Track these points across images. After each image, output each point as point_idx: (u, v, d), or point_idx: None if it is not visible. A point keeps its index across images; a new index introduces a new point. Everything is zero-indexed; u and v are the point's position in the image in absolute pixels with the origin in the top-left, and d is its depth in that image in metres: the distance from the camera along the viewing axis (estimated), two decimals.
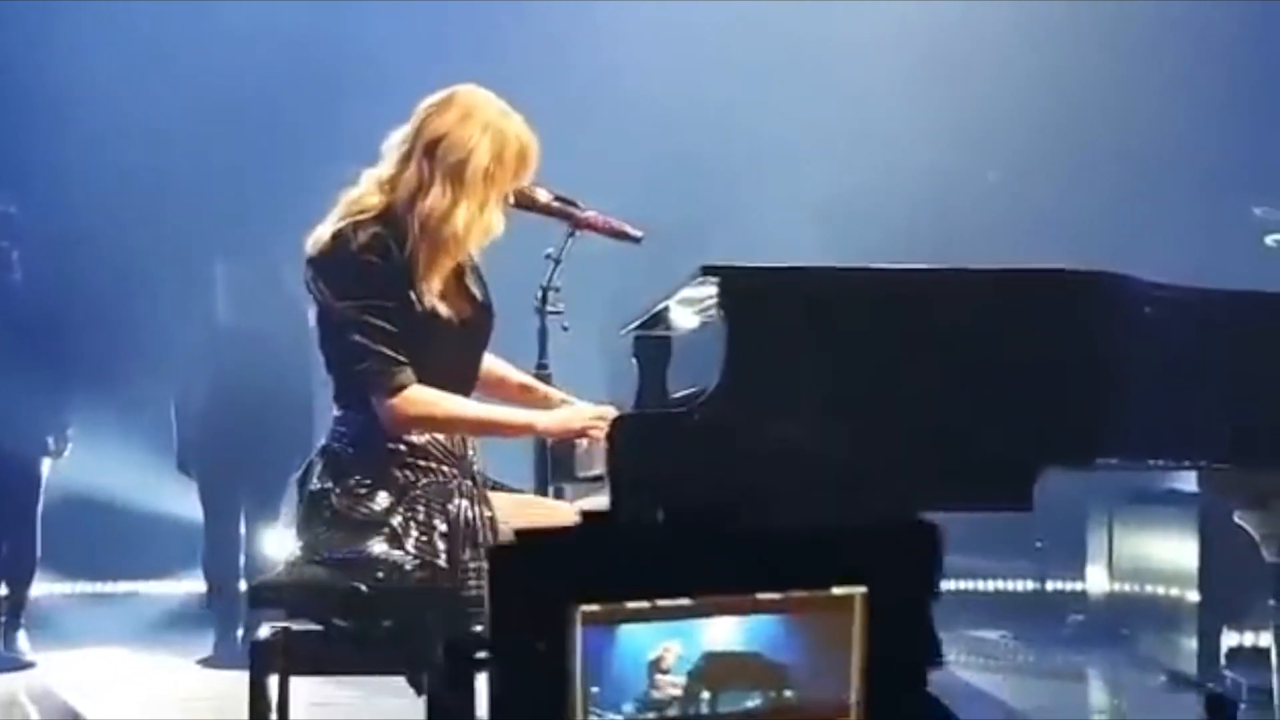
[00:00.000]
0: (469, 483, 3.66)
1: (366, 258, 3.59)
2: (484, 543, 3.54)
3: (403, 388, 3.58)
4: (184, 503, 8.20)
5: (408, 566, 3.51)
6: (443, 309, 3.65)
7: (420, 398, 3.59)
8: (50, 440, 7.78)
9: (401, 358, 3.58)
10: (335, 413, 3.75)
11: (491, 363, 3.98)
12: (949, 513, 3.61)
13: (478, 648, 2.88)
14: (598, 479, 3.55)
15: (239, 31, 8.72)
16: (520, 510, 3.65)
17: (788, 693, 2.73)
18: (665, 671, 2.69)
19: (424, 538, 3.54)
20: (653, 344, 4.22)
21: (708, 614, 2.68)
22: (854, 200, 8.56)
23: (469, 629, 3.63)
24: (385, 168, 3.71)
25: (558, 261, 4.04)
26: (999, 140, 8.97)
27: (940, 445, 3.25)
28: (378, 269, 3.59)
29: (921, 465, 3.25)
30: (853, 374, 3.24)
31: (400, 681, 3.58)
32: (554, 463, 4.08)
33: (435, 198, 3.63)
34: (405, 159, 3.68)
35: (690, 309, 3.86)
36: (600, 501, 3.45)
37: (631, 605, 2.64)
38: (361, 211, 3.65)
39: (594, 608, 2.60)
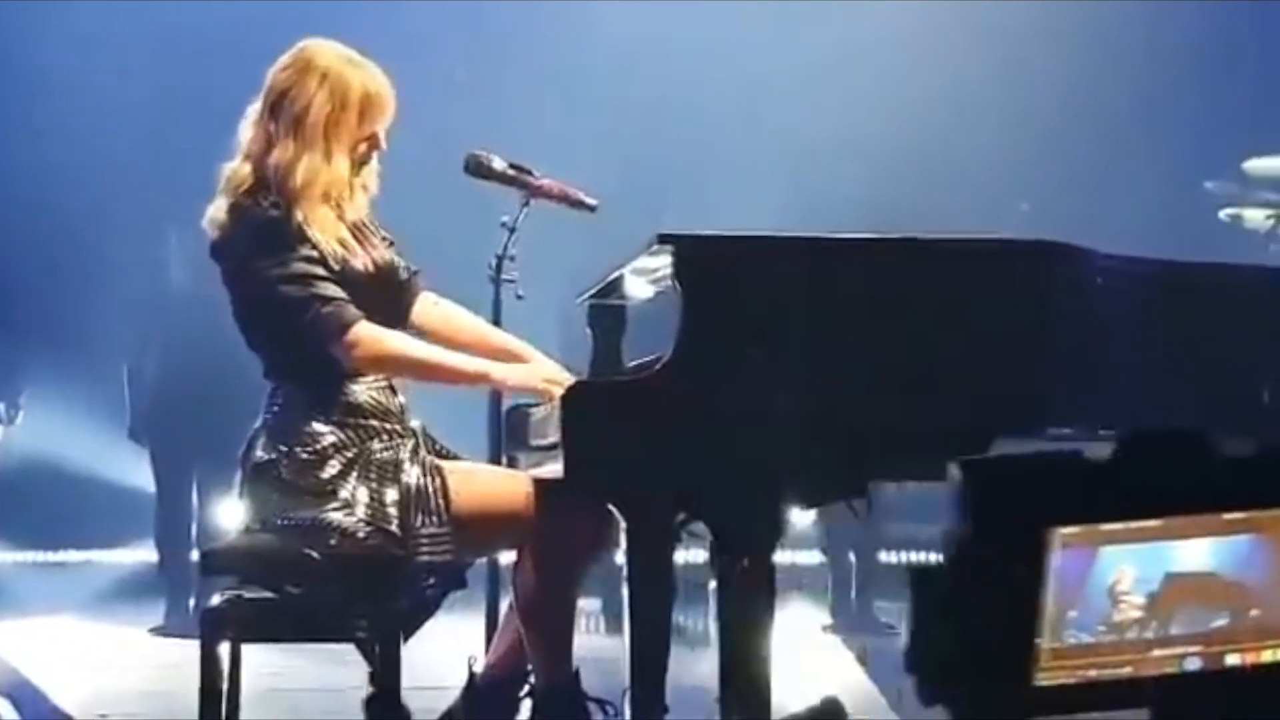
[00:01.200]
0: (414, 442, 3.65)
1: (269, 217, 3.57)
2: (436, 510, 3.54)
3: (354, 322, 3.55)
4: (136, 472, 8.17)
5: (360, 533, 3.50)
6: (356, 263, 3.63)
7: (374, 334, 3.58)
8: (1, 407, 7.72)
9: (342, 294, 3.55)
10: (269, 387, 3.74)
11: (475, 322, 3.96)
12: (903, 482, 3.67)
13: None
14: (552, 447, 3.54)
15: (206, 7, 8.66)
16: (471, 478, 3.65)
17: (1253, 611, 2.71)
18: (1125, 593, 2.67)
19: (376, 504, 3.53)
20: (608, 313, 4.20)
21: (1181, 535, 2.64)
22: (820, 172, 8.57)
23: (421, 596, 3.64)
24: (242, 137, 3.71)
25: (512, 230, 4.03)
26: (964, 111, 8.99)
27: (894, 414, 3.25)
28: (283, 226, 3.57)
29: (875, 434, 3.25)
30: (806, 343, 3.24)
31: (348, 650, 3.56)
32: (508, 431, 4.08)
33: (279, 152, 3.62)
34: (256, 121, 3.68)
35: (644, 279, 3.85)
36: (554, 470, 3.45)
37: (1108, 527, 2.61)
38: (240, 184, 3.64)
39: (1073, 530, 2.57)
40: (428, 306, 3.90)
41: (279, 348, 3.67)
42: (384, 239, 3.79)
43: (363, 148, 3.70)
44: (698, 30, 9.07)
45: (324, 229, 3.61)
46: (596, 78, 8.93)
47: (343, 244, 3.62)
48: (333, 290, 3.55)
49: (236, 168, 3.68)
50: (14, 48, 8.88)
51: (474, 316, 3.98)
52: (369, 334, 3.57)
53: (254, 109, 3.71)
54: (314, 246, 3.58)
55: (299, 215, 3.59)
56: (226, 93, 8.71)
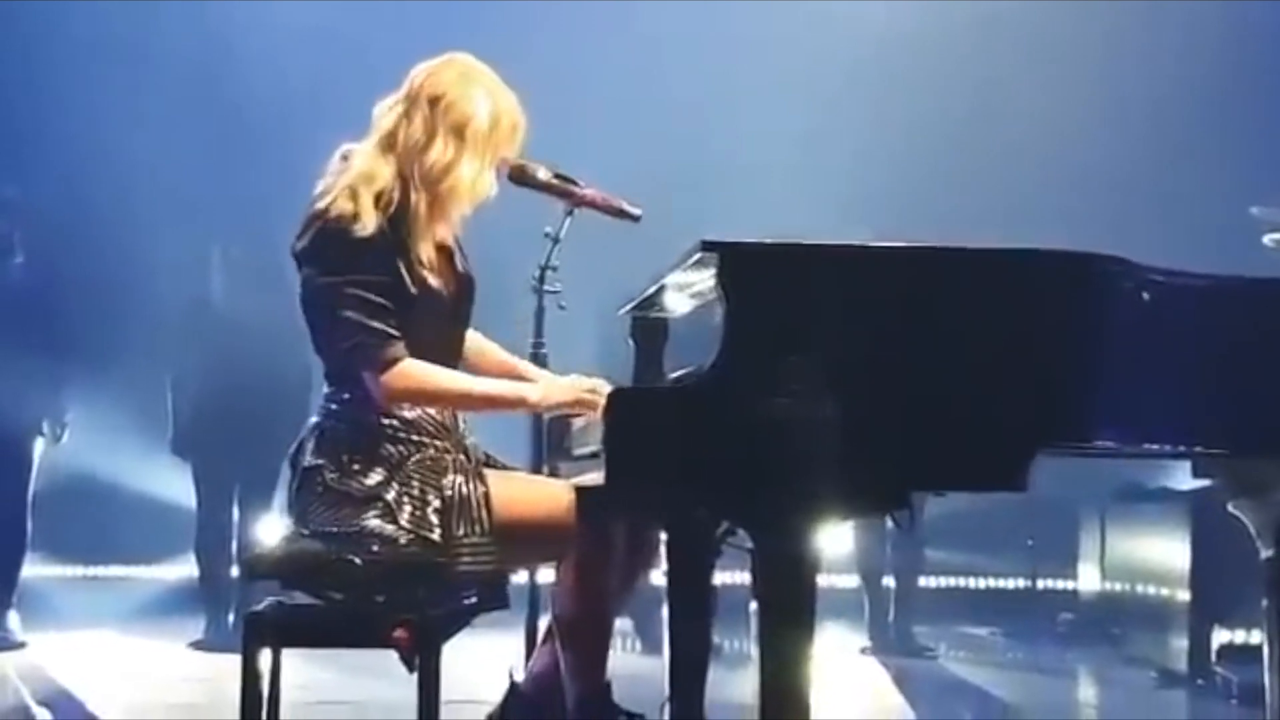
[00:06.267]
0: (463, 458, 3.66)
1: (355, 232, 3.56)
2: (478, 519, 3.54)
3: (395, 361, 3.56)
4: (177, 487, 8.22)
5: (401, 541, 3.50)
6: (433, 280, 3.64)
7: (412, 371, 3.58)
8: (46, 424, 7.78)
9: (393, 331, 3.56)
10: (325, 389, 3.74)
11: (482, 344, 3.97)
12: (945, 493, 3.66)
13: None
14: (593, 456, 3.54)
15: (246, 17, 8.73)
16: (513, 487, 3.65)
17: None
18: None
19: (418, 512, 3.52)
20: (649, 324, 4.20)
21: None
22: (857, 176, 8.61)
23: (459, 605, 3.64)
24: (384, 127, 3.69)
25: (556, 240, 4.02)
26: (996, 133, 8.99)
27: (936, 424, 3.24)
28: (367, 243, 3.57)
29: (918, 443, 3.24)
30: (850, 351, 3.22)
31: (386, 664, 3.56)
32: (549, 441, 4.08)
33: (439, 151, 3.64)
34: (406, 115, 3.68)
35: (685, 293, 3.85)
36: (596, 478, 3.45)
37: None
38: (371, 181, 3.62)
39: None
40: None
41: (333, 355, 3.68)
42: (461, 250, 3.81)
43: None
44: (730, 37, 9.13)
45: (428, 234, 3.64)
46: (637, 90, 9.00)
47: (430, 267, 3.64)
48: (386, 324, 3.55)
49: (374, 165, 3.64)
50: (54, 66, 8.98)
51: (494, 346, 4.00)
52: (409, 370, 3.57)
53: (393, 107, 3.70)
54: (394, 268, 3.58)
55: (420, 216, 3.61)
56: (266, 110, 8.82)
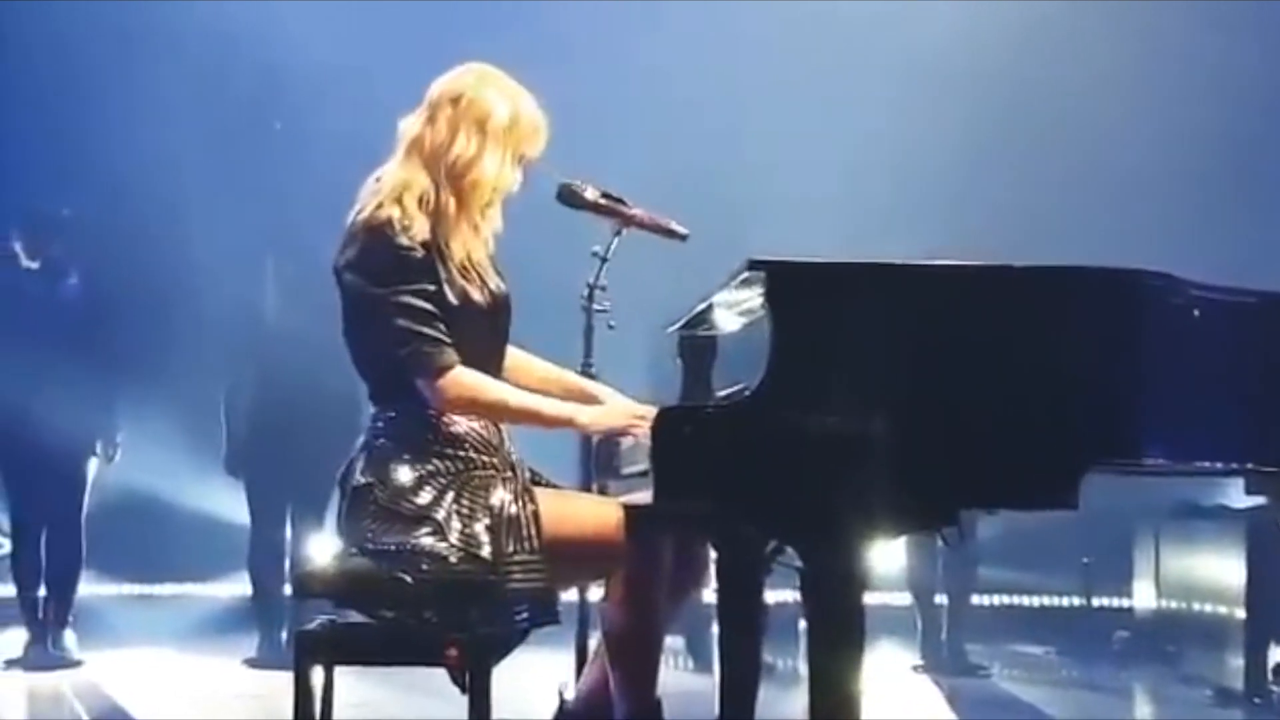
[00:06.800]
0: (511, 474, 3.68)
1: (404, 243, 3.61)
2: (528, 536, 3.55)
3: (449, 368, 3.60)
4: (230, 505, 8.26)
5: (452, 559, 3.52)
6: (473, 292, 3.68)
7: (467, 380, 3.62)
8: (99, 443, 7.83)
9: (446, 338, 3.60)
10: (372, 409, 3.78)
11: (520, 360, 3.98)
12: (996, 511, 3.65)
13: None
14: (642, 474, 3.55)
15: (292, 31, 8.78)
16: (562, 505, 3.66)
17: None
18: None
19: (467, 530, 3.54)
20: (697, 342, 4.22)
21: None
22: (901, 189, 8.58)
23: (511, 624, 3.65)
24: (409, 136, 3.75)
25: (604, 259, 4.04)
26: (1038, 144, 8.95)
27: (986, 442, 3.24)
28: (415, 251, 3.61)
29: (965, 461, 3.23)
30: (899, 369, 3.23)
31: (437, 682, 3.56)
32: (598, 460, 4.09)
33: (461, 145, 3.70)
34: (429, 119, 3.74)
35: (733, 311, 3.86)
36: (644, 497, 3.46)
37: None
38: (410, 187, 3.67)
39: None
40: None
41: (382, 372, 3.70)
42: (496, 268, 3.84)
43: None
44: (776, 64, 9.11)
45: (459, 251, 3.67)
46: (677, 110, 9.01)
47: (464, 272, 3.68)
48: (438, 331, 3.60)
49: (408, 173, 3.71)
50: (106, 79, 9.05)
51: (542, 361, 4.02)
52: (464, 378, 3.61)
53: (417, 115, 3.77)
54: (437, 278, 3.62)
55: (449, 215, 3.67)
56: (318, 126, 8.81)
